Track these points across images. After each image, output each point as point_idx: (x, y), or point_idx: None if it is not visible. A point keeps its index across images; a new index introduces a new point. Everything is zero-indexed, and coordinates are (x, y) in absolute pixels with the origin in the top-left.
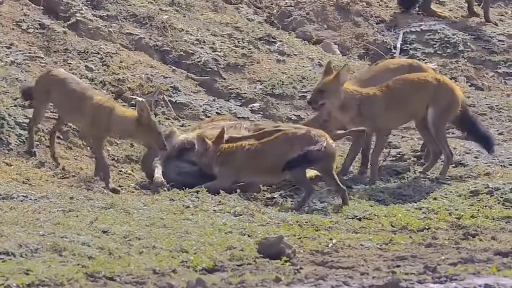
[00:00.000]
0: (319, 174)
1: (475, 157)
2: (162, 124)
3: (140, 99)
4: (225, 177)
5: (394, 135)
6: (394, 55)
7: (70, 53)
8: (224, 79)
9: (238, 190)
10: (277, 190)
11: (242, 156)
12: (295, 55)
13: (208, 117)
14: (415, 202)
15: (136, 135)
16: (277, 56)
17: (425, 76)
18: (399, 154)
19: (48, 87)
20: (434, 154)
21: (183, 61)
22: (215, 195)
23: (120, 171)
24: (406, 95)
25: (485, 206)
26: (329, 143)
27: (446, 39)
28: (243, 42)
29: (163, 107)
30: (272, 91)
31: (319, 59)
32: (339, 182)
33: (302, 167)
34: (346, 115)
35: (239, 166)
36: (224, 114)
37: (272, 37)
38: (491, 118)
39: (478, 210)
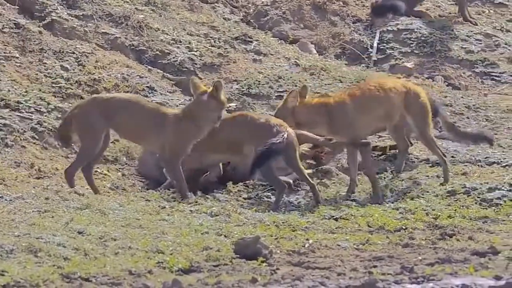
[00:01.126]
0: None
1: (452, 157)
2: None
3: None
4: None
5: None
6: (371, 54)
7: (45, 52)
8: (201, 78)
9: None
10: (254, 190)
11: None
12: (271, 54)
13: None
14: (392, 202)
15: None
16: (253, 56)
17: (394, 82)
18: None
19: (108, 113)
20: (401, 151)
21: (159, 61)
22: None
23: (96, 171)
24: (376, 101)
25: (462, 206)
26: (289, 133)
27: (423, 38)
28: (219, 42)
29: None
30: (249, 91)
31: (296, 59)
32: (307, 175)
33: (268, 163)
34: (319, 129)
35: (199, 147)
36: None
37: (249, 37)
38: (468, 118)
39: (455, 210)
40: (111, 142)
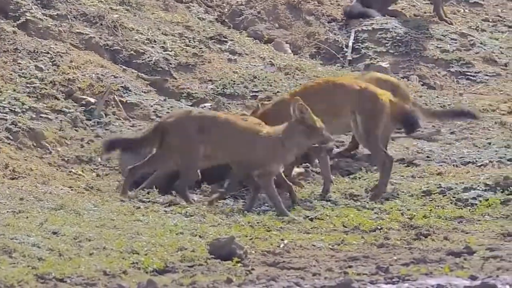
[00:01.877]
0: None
1: (427, 157)
2: (112, 125)
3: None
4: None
5: (346, 135)
6: (346, 54)
7: (20, 52)
8: (175, 78)
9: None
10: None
11: None
12: (246, 54)
13: (159, 117)
14: (367, 202)
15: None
16: (228, 56)
17: (347, 80)
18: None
19: (204, 128)
20: (347, 150)
21: (134, 61)
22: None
23: (70, 171)
24: (317, 95)
25: (438, 206)
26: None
27: (398, 37)
28: (194, 42)
29: (113, 107)
30: (223, 91)
31: (271, 58)
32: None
33: None
34: None
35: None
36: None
37: (223, 36)
38: None
39: (431, 210)
40: (86, 143)
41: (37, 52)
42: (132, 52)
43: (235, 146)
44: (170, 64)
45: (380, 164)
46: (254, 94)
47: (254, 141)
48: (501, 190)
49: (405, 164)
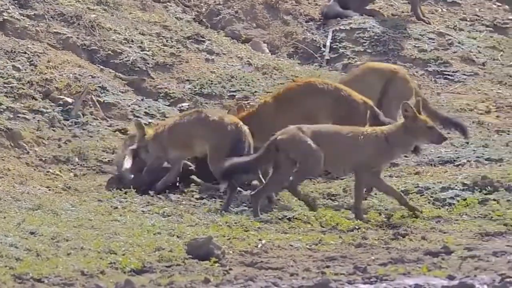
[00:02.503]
0: None
1: (405, 157)
2: (90, 125)
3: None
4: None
5: None
6: (324, 53)
7: None
8: (153, 78)
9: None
10: (206, 190)
11: (165, 133)
12: (224, 54)
13: (137, 117)
14: (345, 202)
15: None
16: (206, 55)
17: (324, 83)
18: None
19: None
20: None
21: (111, 61)
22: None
23: (48, 171)
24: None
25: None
26: (246, 130)
27: (376, 37)
28: (172, 41)
29: (91, 107)
30: (201, 91)
31: (248, 58)
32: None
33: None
34: None
35: (164, 144)
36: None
37: (201, 36)
38: None
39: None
40: (63, 143)
41: (15, 52)
42: (109, 52)
43: (346, 151)
44: (148, 64)
45: None
46: (231, 94)
47: (362, 142)
48: (479, 190)
49: None
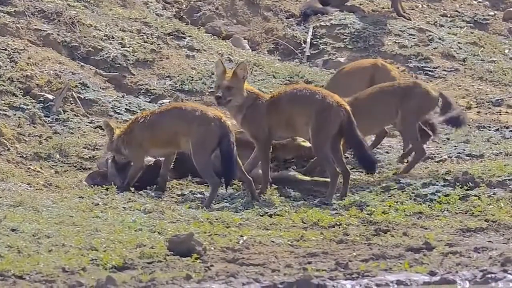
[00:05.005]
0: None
1: (387, 152)
2: (71, 121)
3: None
4: (135, 156)
5: None
6: (304, 49)
7: None
8: (133, 75)
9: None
10: (187, 187)
11: (139, 129)
12: (204, 50)
13: (118, 113)
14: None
15: None
16: (186, 52)
17: (312, 88)
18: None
19: None
20: None
21: (92, 57)
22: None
23: (29, 168)
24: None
25: (397, 202)
26: (228, 123)
27: (356, 33)
28: (152, 38)
29: (71, 103)
30: (182, 87)
31: (229, 54)
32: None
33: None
34: (238, 117)
35: (139, 141)
36: None
37: (182, 33)
38: None
39: (390, 205)
40: (44, 139)
41: None
42: (90, 48)
43: None
44: (128, 60)
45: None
46: (212, 90)
47: None
48: (460, 186)
49: None
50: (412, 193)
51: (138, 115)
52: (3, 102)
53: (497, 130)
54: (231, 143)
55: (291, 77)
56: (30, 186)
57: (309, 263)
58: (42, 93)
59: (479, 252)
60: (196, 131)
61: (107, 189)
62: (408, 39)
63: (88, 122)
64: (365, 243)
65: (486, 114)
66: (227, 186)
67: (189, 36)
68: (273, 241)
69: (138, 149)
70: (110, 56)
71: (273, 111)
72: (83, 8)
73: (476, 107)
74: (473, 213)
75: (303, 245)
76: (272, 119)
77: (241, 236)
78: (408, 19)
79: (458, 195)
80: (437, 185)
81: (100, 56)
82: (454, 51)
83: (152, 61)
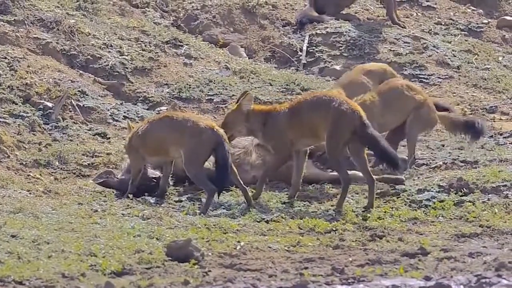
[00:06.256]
0: None
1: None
2: (70, 129)
3: None
4: (134, 164)
5: None
6: (301, 57)
7: None
8: (132, 82)
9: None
10: (185, 193)
11: (136, 137)
12: (202, 58)
13: (116, 121)
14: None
15: None
16: (184, 60)
17: (330, 95)
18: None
19: None
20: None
21: (91, 65)
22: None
23: (28, 175)
24: (308, 112)
25: (392, 208)
26: (222, 132)
27: (352, 41)
28: (150, 46)
29: (70, 111)
30: (179, 95)
31: (226, 62)
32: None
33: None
34: (259, 137)
35: (136, 148)
36: None
37: (179, 41)
38: None
39: (385, 211)
40: (43, 147)
41: None
42: (88, 56)
43: None
44: (127, 68)
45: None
46: (209, 97)
47: None
48: (455, 192)
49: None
50: (407, 199)
51: (139, 123)
52: (3, 110)
53: (491, 136)
54: (226, 151)
55: (287, 85)
56: (30, 193)
57: (306, 268)
58: (41, 101)
59: (473, 257)
60: (187, 141)
61: (105, 195)
62: (403, 47)
63: (87, 130)
64: (361, 249)
65: None
66: (220, 194)
67: (187, 44)
68: (270, 247)
69: (136, 155)
70: (108, 64)
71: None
72: (82, 17)
73: (470, 113)
74: (467, 219)
75: (300, 251)
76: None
77: (239, 241)
78: (403, 27)
79: (453, 201)
80: (432, 191)
81: (99, 64)
82: (449, 58)
83: (150, 69)
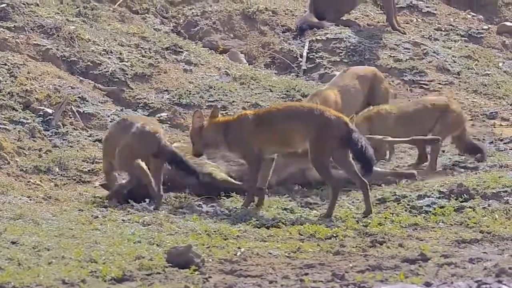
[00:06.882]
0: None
1: (382, 165)
2: (70, 135)
3: None
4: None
5: None
6: (301, 63)
7: None
8: (132, 89)
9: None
10: (186, 200)
11: None
12: (202, 64)
13: None
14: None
15: None
16: (184, 66)
17: (307, 106)
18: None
19: None
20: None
21: (91, 72)
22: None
23: (29, 181)
24: (283, 121)
25: (392, 214)
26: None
27: (352, 47)
28: (150, 52)
29: (70, 117)
30: (179, 101)
31: (226, 68)
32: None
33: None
34: (224, 149)
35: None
36: None
37: (179, 47)
38: None
39: (385, 217)
40: (44, 153)
41: None
42: (88, 63)
43: None
44: (127, 74)
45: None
46: (210, 104)
47: None
48: (455, 198)
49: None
50: (408, 205)
51: None
52: (3, 116)
53: (492, 142)
54: (173, 153)
55: (287, 91)
56: (30, 199)
57: (306, 274)
58: (41, 107)
59: (474, 263)
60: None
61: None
62: (403, 53)
63: (87, 136)
64: (361, 255)
65: (480, 126)
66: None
67: (187, 51)
68: (270, 253)
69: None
70: (108, 71)
71: (263, 129)
72: (82, 23)
73: (471, 119)
74: (468, 224)
75: (300, 257)
76: (260, 138)
77: (239, 248)
78: (403, 33)
79: (453, 207)
80: (432, 197)
81: (99, 71)
82: (449, 64)
83: (150, 75)
